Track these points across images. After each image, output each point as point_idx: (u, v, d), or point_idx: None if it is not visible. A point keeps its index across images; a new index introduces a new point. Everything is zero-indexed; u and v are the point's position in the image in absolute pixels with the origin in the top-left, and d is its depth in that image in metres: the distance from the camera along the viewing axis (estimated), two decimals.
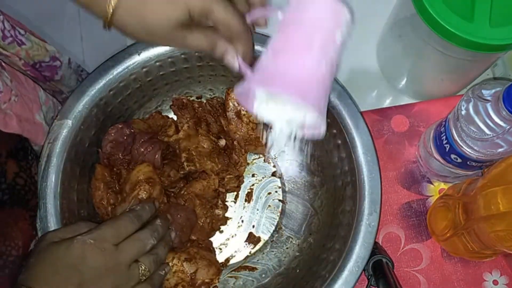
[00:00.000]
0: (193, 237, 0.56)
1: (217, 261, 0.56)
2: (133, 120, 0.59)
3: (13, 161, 0.48)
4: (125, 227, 0.47)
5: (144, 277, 0.47)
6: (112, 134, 0.56)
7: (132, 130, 0.57)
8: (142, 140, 0.56)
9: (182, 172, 0.57)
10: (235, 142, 0.60)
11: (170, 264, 0.52)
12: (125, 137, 0.56)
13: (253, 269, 0.59)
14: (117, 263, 0.45)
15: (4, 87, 0.46)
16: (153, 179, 0.54)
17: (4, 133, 0.47)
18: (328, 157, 0.58)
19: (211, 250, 0.58)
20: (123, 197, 0.53)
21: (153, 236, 0.49)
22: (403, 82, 0.66)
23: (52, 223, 0.50)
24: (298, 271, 0.57)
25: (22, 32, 0.57)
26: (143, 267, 0.47)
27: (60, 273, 0.43)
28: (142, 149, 0.55)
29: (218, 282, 0.56)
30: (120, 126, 0.56)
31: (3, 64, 0.49)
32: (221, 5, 0.40)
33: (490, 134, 0.46)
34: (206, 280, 0.54)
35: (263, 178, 0.63)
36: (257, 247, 0.60)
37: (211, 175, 0.58)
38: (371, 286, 0.51)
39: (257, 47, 0.54)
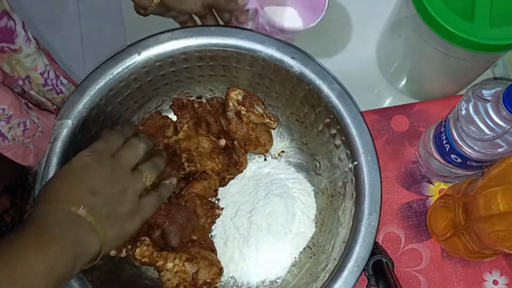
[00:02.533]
0: (194, 237, 0.56)
1: (219, 261, 0.56)
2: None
3: (7, 196, 0.51)
4: (114, 138, 0.51)
5: (148, 181, 0.51)
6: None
7: None
8: None
9: (182, 173, 0.57)
10: (235, 142, 0.60)
11: (172, 264, 0.52)
12: None
13: None
14: (117, 167, 0.48)
15: (31, 125, 0.48)
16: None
17: (7, 165, 0.49)
18: (328, 157, 0.58)
19: (213, 250, 0.58)
20: None
21: (141, 141, 0.52)
22: (403, 82, 0.66)
23: None
24: (298, 271, 0.57)
25: (65, 82, 0.60)
26: (145, 172, 0.51)
27: (71, 184, 0.46)
28: None
29: (221, 282, 0.56)
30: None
31: (30, 105, 0.50)
32: None
33: (490, 134, 0.46)
34: (208, 280, 0.54)
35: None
36: None
37: (211, 175, 0.58)
38: (371, 286, 0.51)
39: (257, 47, 0.55)
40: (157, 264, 0.52)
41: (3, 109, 0.44)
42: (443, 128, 0.52)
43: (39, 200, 0.45)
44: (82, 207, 0.44)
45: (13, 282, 0.38)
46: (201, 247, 0.56)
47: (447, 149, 0.52)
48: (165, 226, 0.54)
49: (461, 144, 0.49)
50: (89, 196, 0.45)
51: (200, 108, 0.62)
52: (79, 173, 0.47)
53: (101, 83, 0.54)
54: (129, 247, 0.53)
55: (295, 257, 0.58)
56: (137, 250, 0.52)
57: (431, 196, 0.61)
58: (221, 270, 0.56)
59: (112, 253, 0.52)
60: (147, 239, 0.53)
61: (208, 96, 0.64)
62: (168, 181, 0.55)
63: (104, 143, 0.50)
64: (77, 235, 0.43)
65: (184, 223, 0.55)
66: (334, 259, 0.51)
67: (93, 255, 0.45)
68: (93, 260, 0.45)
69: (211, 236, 0.59)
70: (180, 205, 0.56)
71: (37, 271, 0.39)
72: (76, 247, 0.42)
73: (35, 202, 0.45)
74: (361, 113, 0.53)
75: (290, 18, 0.65)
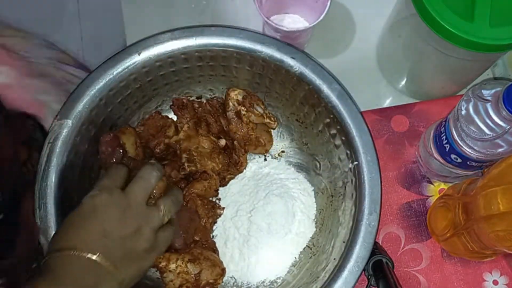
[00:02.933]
0: (197, 238, 0.56)
1: (221, 262, 0.56)
2: (121, 130, 0.57)
3: (25, 148, 0.53)
4: (117, 171, 0.50)
5: (165, 218, 0.49)
6: (103, 147, 0.56)
7: (121, 143, 0.56)
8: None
9: (183, 173, 0.57)
10: (235, 142, 0.60)
11: (174, 265, 0.52)
12: (115, 148, 0.56)
13: None
14: (130, 203, 0.47)
15: None
16: None
17: (22, 120, 0.51)
18: (328, 157, 0.58)
19: (215, 251, 0.58)
20: None
21: (154, 170, 0.50)
22: (403, 82, 0.66)
23: (52, 223, 0.50)
24: (298, 271, 0.57)
25: None
26: (162, 207, 0.49)
27: (83, 229, 0.45)
28: None
29: (222, 282, 0.56)
30: (107, 139, 0.56)
31: None
32: None
33: (490, 134, 0.46)
34: (210, 281, 0.54)
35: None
36: None
37: (212, 175, 0.58)
38: (371, 286, 0.51)
39: (257, 47, 0.55)
40: (160, 266, 0.52)
41: None
42: (443, 128, 0.52)
43: (53, 249, 0.44)
44: (97, 253, 0.43)
45: None
46: (204, 248, 0.56)
47: (447, 149, 0.52)
48: None
49: (461, 144, 0.49)
50: (102, 240, 0.44)
51: (200, 108, 0.62)
52: (90, 216, 0.45)
53: (101, 83, 0.54)
54: None
55: (295, 257, 0.58)
56: None
57: (431, 196, 0.61)
58: (223, 270, 0.56)
59: None
60: None
61: (208, 96, 0.64)
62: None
63: (108, 178, 0.48)
64: (94, 283, 0.43)
65: (187, 224, 0.55)
66: (334, 259, 0.51)
67: None
68: None
69: (212, 236, 0.59)
70: (181, 205, 0.56)
71: None
72: None
73: (49, 251, 0.44)
74: (361, 113, 0.53)
75: (294, 22, 0.66)
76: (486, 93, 0.46)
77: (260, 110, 0.60)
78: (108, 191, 0.47)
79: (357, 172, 0.52)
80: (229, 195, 0.61)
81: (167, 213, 0.49)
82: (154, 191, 0.50)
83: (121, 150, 0.55)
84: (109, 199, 0.46)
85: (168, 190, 0.52)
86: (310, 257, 0.57)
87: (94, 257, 0.43)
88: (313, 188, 0.61)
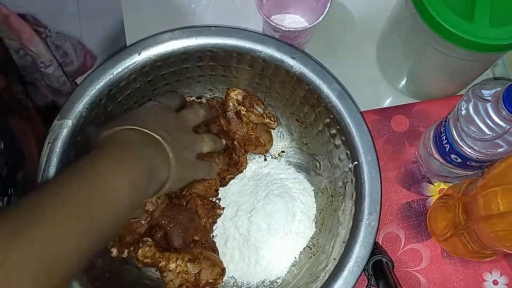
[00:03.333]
0: (196, 238, 0.56)
1: (221, 262, 0.56)
2: None
3: (2, 76, 0.54)
4: (175, 96, 0.56)
5: (205, 148, 0.53)
6: None
7: None
8: None
9: None
10: (235, 142, 0.60)
11: (174, 265, 0.52)
12: None
13: None
14: (180, 121, 0.51)
15: None
16: None
17: None
18: (328, 157, 0.58)
19: (215, 250, 0.58)
20: None
21: (203, 107, 0.55)
22: (403, 82, 0.66)
23: None
24: (298, 271, 0.57)
25: None
26: (204, 138, 0.53)
27: (144, 119, 0.48)
28: None
29: (222, 282, 0.56)
30: None
31: None
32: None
33: (490, 134, 0.46)
34: (210, 281, 0.54)
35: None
36: None
37: None
38: (371, 286, 0.51)
39: (257, 47, 0.55)
40: (160, 265, 0.52)
41: None
42: (443, 128, 0.52)
43: (111, 127, 0.45)
44: (160, 136, 0.45)
45: (102, 196, 0.39)
46: (203, 248, 0.56)
47: (447, 149, 0.52)
48: (167, 227, 0.54)
49: (461, 144, 0.49)
50: (162, 131, 0.46)
51: None
52: (150, 113, 0.49)
53: (101, 83, 0.54)
54: (132, 248, 0.53)
55: (295, 257, 0.58)
56: (140, 251, 0.52)
57: (431, 196, 0.61)
58: (223, 270, 0.56)
59: (114, 253, 0.52)
60: (150, 240, 0.53)
61: (208, 96, 0.64)
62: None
63: (167, 99, 0.54)
64: (153, 157, 0.45)
65: (187, 223, 0.55)
66: (334, 259, 0.51)
67: (160, 185, 0.46)
68: (156, 192, 0.46)
69: (212, 236, 0.59)
70: (181, 205, 0.56)
71: (122, 185, 0.40)
72: (152, 168, 0.44)
73: (106, 128, 0.46)
74: (361, 113, 0.53)
75: (295, 22, 0.66)
76: (486, 93, 0.46)
77: (260, 110, 0.60)
78: (165, 105, 0.52)
79: (357, 172, 0.52)
80: (229, 195, 0.61)
81: (208, 144, 0.53)
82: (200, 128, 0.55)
83: None
84: (166, 109, 0.51)
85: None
86: (310, 257, 0.57)
87: (157, 136, 0.45)
88: (313, 188, 0.61)
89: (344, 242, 0.51)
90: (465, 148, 0.49)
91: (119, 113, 0.58)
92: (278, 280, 0.58)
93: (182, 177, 0.49)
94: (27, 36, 0.62)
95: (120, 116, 0.50)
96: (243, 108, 0.59)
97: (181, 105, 0.57)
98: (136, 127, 0.46)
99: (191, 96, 0.63)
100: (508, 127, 0.44)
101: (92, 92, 0.53)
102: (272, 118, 0.61)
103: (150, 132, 0.45)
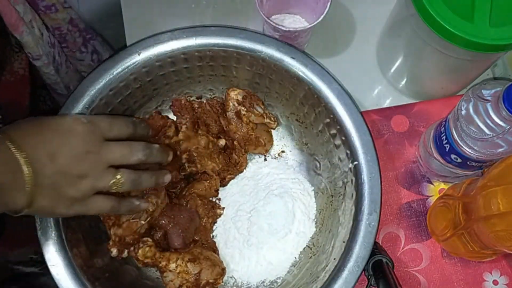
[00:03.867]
0: (196, 238, 0.56)
1: (221, 261, 0.56)
2: None
3: None
4: (119, 126, 0.46)
5: (114, 188, 0.45)
6: None
7: None
8: None
9: (183, 174, 0.57)
10: (235, 142, 0.60)
11: (174, 265, 0.52)
12: None
13: None
14: (97, 155, 0.43)
15: None
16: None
17: None
18: (328, 157, 0.58)
19: (215, 250, 0.58)
20: None
21: (145, 152, 0.46)
22: (403, 82, 0.66)
23: (52, 223, 0.50)
24: (298, 271, 0.57)
25: None
26: (118, 177, 0.44)
27: (43, 134, 0.42)
28: None
29: (222, 282, 0.56)
30: None
31: None
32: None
33: (490, 134, 0.46)
34: (210, 281, 0.54)
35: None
36: None
37: (212, 175, 0.58)
38: (371, 286, 0.51)
39: (257, 47, 0.55)
40: (160, 265, 0.52)
41: None
42: (443, 128, 0.52)
43: (6, 130, 0.41)
44: (29, 167, 0.40)
45: None
46: (203, 248, 0.56)
47: (447, 149, 0.52)
48: (167, 227, 0.54)
49: (461, 144, 0.49)
50: (46, 158, 0.41)
51: (200, 108, 0.62)
52: (58, 130, 0.43)
53: (101, 83, 0.54)
54: (132, 248, 0.53)
55: (295, 257, 0.58)
56: (140, 251, 0.52)
57: (431, 196, 0.61)
58: (223, 270, 0.56)
59: (114, 253, 0.52)
60: (150, 240, 0.53)
61: (208, 96, 0.64)
62: (137, 203, 0.49)
63: (107, 123, 0.45)
64: (5, 183, 0.39)
65: (187, 223, 0.55)
66: (334, 259, 0.51)
67: (8, 209, 0.41)
68: (6, 211, 0.41)
69: (212, 236, 0.59)
70: (181, 205, 0.56)
71: None
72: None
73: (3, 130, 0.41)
74: (361, 113, 0.53)
75: (295, 22, 0.66)
76: (486, 93, 0.46)
77: (260, 110, 0.60)
78: (93, 129, 0.44)
79: (357, 172, 0.52)
80: (229, 195, 0.61)
81: (119, 184, 0.45)
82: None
83: None
84: (86, 135, 0.43)
85: (154, 170, 0.50)
86: (310, 257, 0.57)
87: (24, 165, 0.39)
88: (313, 188, 0.61)
89: (344, 242, 0.51)
90: (465, 148, 0.49)
91: (119, 113, 0.58)
92: (278, 280, 0.58)
93: (49, 211, 0.44)
94: (12, 22, 0.58)
95: (31, 119, 0.43)
96: (243, 108, 0.59)
97: (130, 135, 0.48)
98: (7, 142, 0.40)
99: (191, 96, 0.63)
100: (508, 127, 0.44)
101: (92, 92, 0.54)
102: (272, 118, 0.61)
103: (21, 158, 0.40)
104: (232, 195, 0.61)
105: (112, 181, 0.45)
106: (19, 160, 0.40)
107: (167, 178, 0.51)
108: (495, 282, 0.58)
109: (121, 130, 0.46)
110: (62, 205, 0.44)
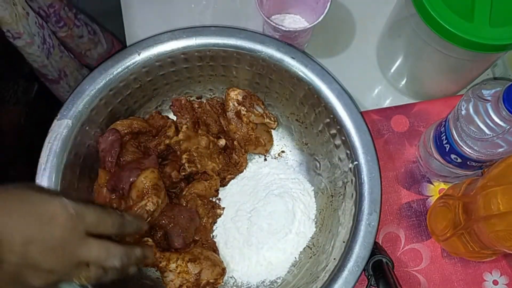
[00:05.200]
0: (197, 238, 0.56)
1: (221, 261, 0.56)
2: (115, 124, 0.57)
3: None
4: (106, 226, 0.43)
5: (78, 282, 0.43)
6: (102, 146, 0.55)
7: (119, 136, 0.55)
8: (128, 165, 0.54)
9: (183, 174, 0.57)
10: (235, 142, 0.60)
11: (174, 265, 0.52)
12: (112, 144, 0.55)
13: None
14: (72, 253, 0.41)
15: None
16: (159, 186, 0.53)
17: None
18: (328, 157, 0.58)
19: (215, 250, 0.58)
20: (128, 204, 0.53)
21: (121, 261, 0.44)
22: (403, 82, 0.66)
23: None
24: (298, 271, 0.57)
25: None
26: (85, 274, 0.42)
27: (24, 217, 0.39)
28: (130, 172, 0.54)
29: (222, 282, 0.56)
30: (105, 136, 0.55)
31: None
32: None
33: (490, 134, 0.46)
34: (211, 281, 0.54)
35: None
36: None
37: (212, 175, 0.58)
38: (371, 286, 0.51)
39: (257, 47, 0.55)
40: (160, 265, 0.52)
41: None
42: (443, 128, 0.52)
43: None
44: None
45: None
46: (204, 248, 0.56)
47: (447, 149, 0.52)
48: (168, 227, 0.54)
49: (461, 144, 0.49)
50: (18, 246, 0.38)
51: (200, 108, 0.62)
52: (41, 215, 0.40)
53: (101, 83, 0.54)
54: None
55: (295, 257, 0.58)
56: None
57: (431, 196, 0.61)
58: (224, 270, 0.56)
59: None
60: (150, 240, 0.53)
61: (208, 96, 0.64)
62: None
63: (95, 220, 0.42)
64: None
65: (187, 223, 0.55)
66: (334, 259, 0.51)
67: None
68: None
69: (212, 236, 0.59)
70: (182, 205, 0.56)
71: None
72: None
73: None
74: (361, 113, 0.53)
75: (295, 22, 0.66)
76: (486, 93, 0.46)
77: (260, 110, 0.60)
78: (77, 223, 0.41)
79: (357, 172, 0.52)
80: (229, 195, 0.61)
81: (83, 281, 0.43)
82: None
83: (117, 149, 0.55)
84: (69, 229, 0.40)
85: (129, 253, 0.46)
86: (310, 257, 0.57)
87: None
88: (313, 188, 0.61)
89: (344, 242, 0.51)
90: (465, 148, 0.49)
91: (119, 113, 0.58)
92: (278, 280, 0.58)
93: None
94: None
95: (11, 191, 0.40)
96: (243, 108, 0.59)
97: (117, 234, 0.45)
98: None
99: (191, 96, 0.63)
100: (508, 127, 0.44)
101: (92, 92, 0.54)
102: (272, 118, 0.61)
103: None
104: (232, 195, 0.61)
105: (78, 277, 0.43)
106: None
107: (134, 269, 0.48)
108: (495, 282, 0.58)
109: (107, 231, 0.44)
110: None
